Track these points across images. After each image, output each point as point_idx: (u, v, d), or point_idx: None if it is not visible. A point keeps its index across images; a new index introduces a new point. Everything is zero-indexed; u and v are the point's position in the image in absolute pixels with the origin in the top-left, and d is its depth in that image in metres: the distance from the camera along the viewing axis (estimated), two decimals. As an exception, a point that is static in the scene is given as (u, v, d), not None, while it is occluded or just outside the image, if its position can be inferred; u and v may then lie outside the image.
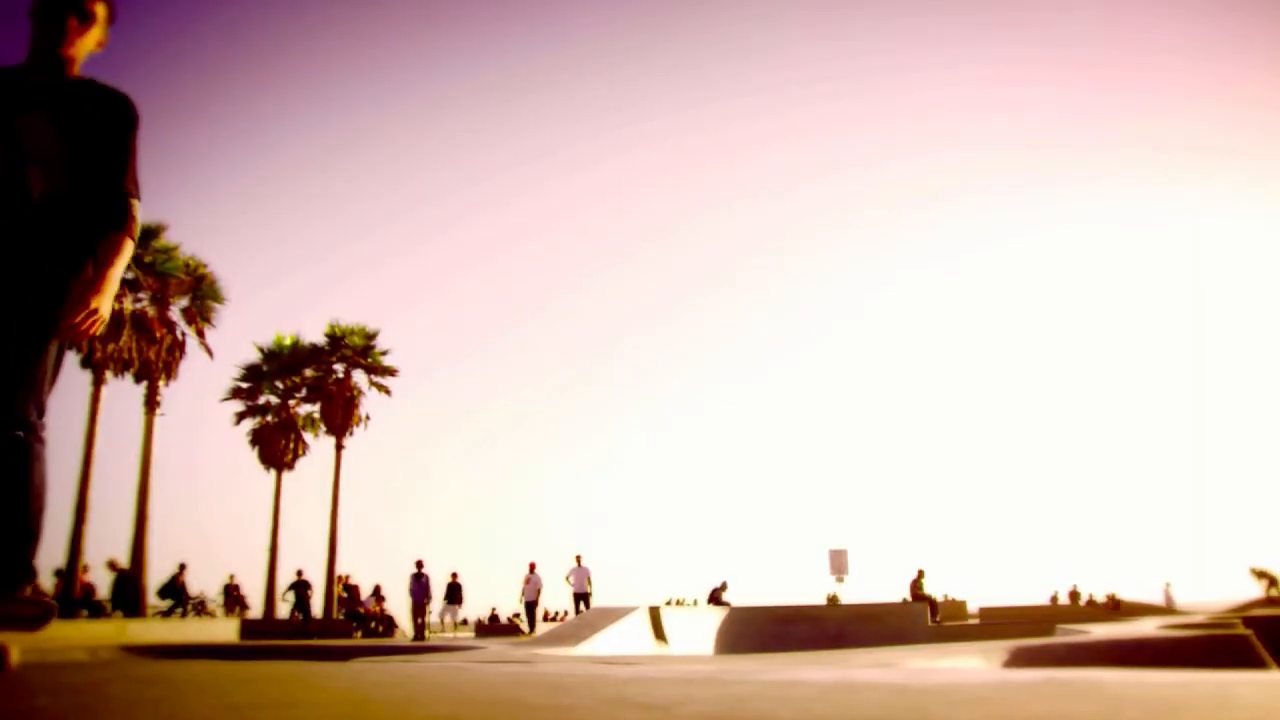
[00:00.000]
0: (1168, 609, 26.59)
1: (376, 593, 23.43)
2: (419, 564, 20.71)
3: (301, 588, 22.29)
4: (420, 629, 20.61)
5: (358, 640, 18.83)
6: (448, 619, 22.21)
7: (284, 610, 23.45)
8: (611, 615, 12.47)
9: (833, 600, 23.16)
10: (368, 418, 29.40)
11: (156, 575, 21.37)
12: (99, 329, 2.36)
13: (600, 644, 10.89)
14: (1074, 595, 33.18)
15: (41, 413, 2.34)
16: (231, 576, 23.91)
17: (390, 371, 29.96)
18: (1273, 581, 12.87)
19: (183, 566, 20.92)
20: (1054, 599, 34.25)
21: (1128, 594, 30.21)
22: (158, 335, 23.59)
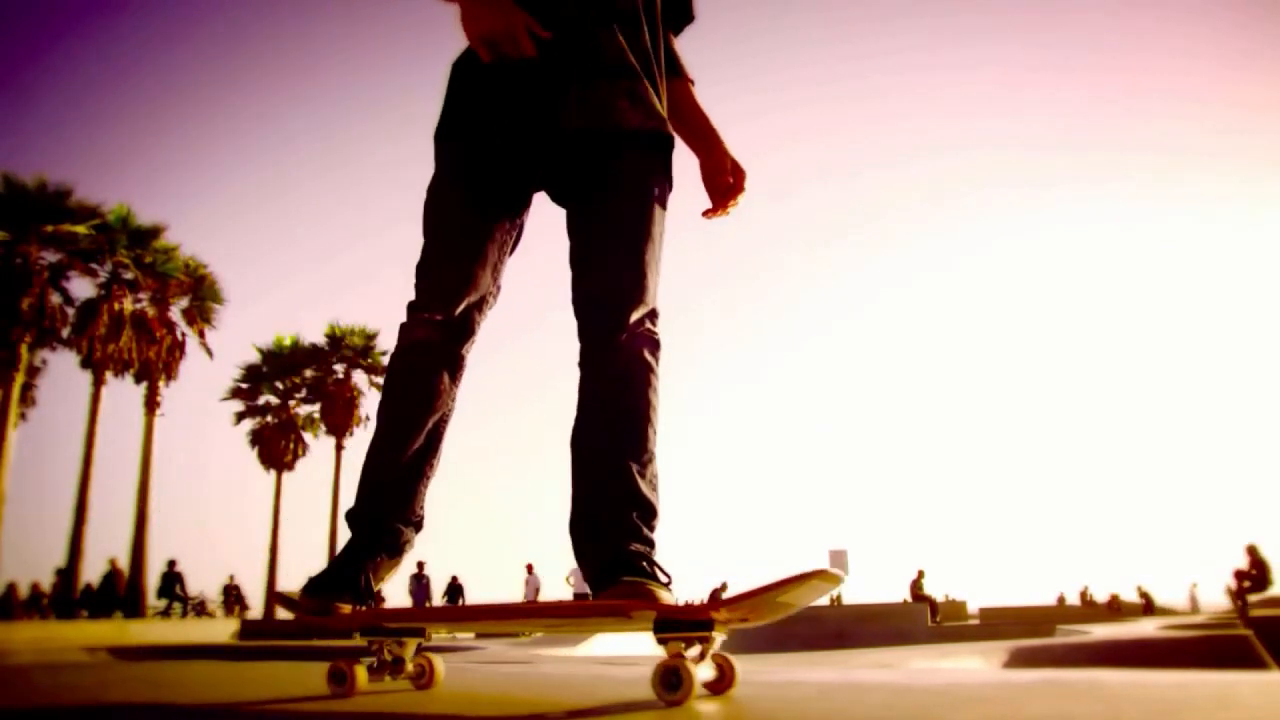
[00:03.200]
0: (1191, 610, 26.38)
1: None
2: (419, 565, 20.72)
3: None
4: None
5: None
6: (448, 619, 22.15)
7: (285, 610, 23.41)
8: (611, 616, 12.42)
9: (833, 600, 23.15)
10: (368, 418, 29.38)
11: (156, 575, 21.35)
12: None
13: (600, 644, 10.89)
14: (1083, 596, 33.13)
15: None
16: (231, 577, 23.93)
17: (390, 372, 29.93)
18: (1262, 570, 12.68)
19: (172, 563, 20.87)
20: (1060, 600, 34.20)
21: (1156, 596, 29.82)
22: (158, 335, 23.58)
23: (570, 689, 1.88)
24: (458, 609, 1.81)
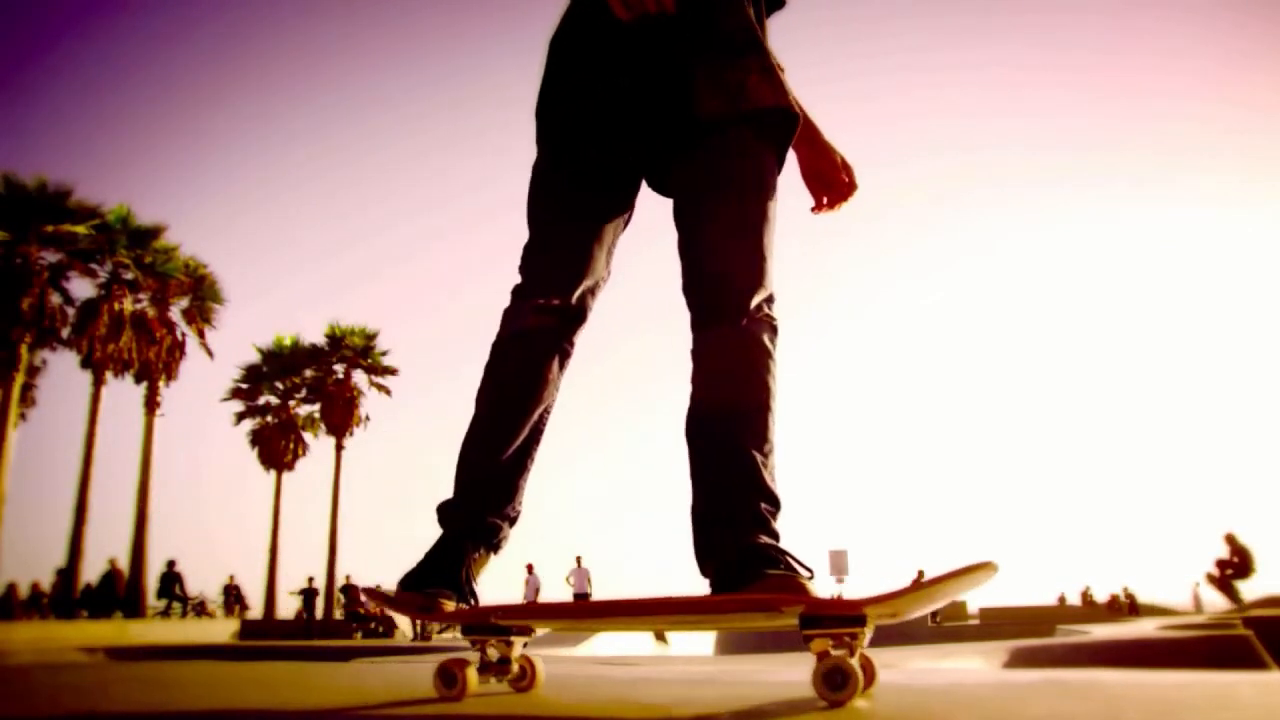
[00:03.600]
0: (1194, 610, 26.33)
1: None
2: (419, 565, 20.74)
3: (310, 594, 22.43)
4: (424, 629, 20.62)
5: (358, 641, 18.82)
6: (447, 619, 22.17)
7: (285, 610, 23.50)
8: (612, 616, 12.42)
9: (833, 601, 23.04)
10: (368, 418, 29.44)
11: (156, 575, 21.37)
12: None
13: (601, 644, 10.90)
14: (1084, 596, 33.12)
15: None
16: (231, 577, 23.94)
17: (390, 371, 29.99)
18: (1244, 559, 12.58)
19: (171, 563, 20.87)
20: (1061, 600, 34.18)
21: (1155, 596, 29.83)
22: (158, 336, 23.59)
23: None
24: (584, 605, 1.62)
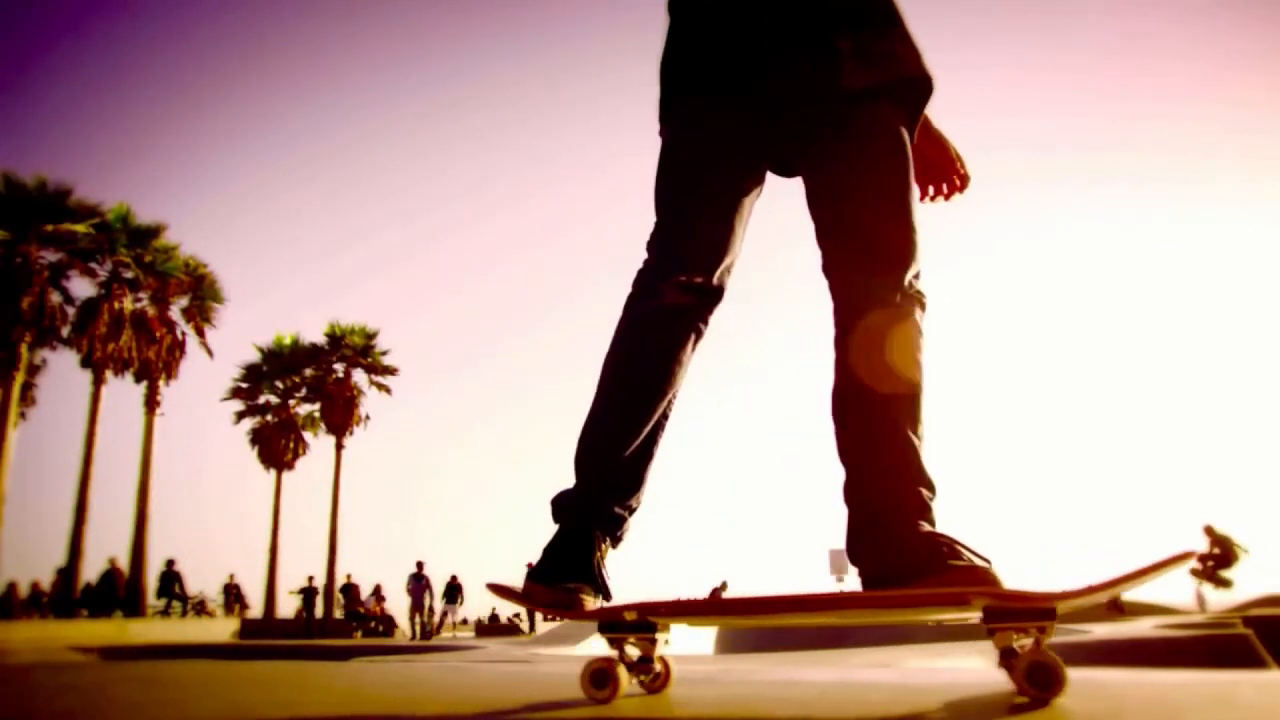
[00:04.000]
0: (1198, 609, 26.21)
1: (376, 593, 23.45)
2: (419, 565, 20.74)
3: (310, 594, 22.44)
4: (424, 629, 20.63)
5: (358, 640, 18.82)
6: (448, 619, 22.25)
7: (285, 609, 23.53)
8: (611, 615, 12.41)
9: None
10: (368, 417, 29.44)
11: (156, 575, 21.38)
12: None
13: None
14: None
15: None
16: (231, 576, 23.96)
17: (391, 371, 30.00)
18: (1225, 549, 12.51)
19: (170, 562, 20.88)
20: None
21: (1158, 594, 29.76)
22: (158, 335, 23.60)
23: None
24: (751, 601, 1.46)
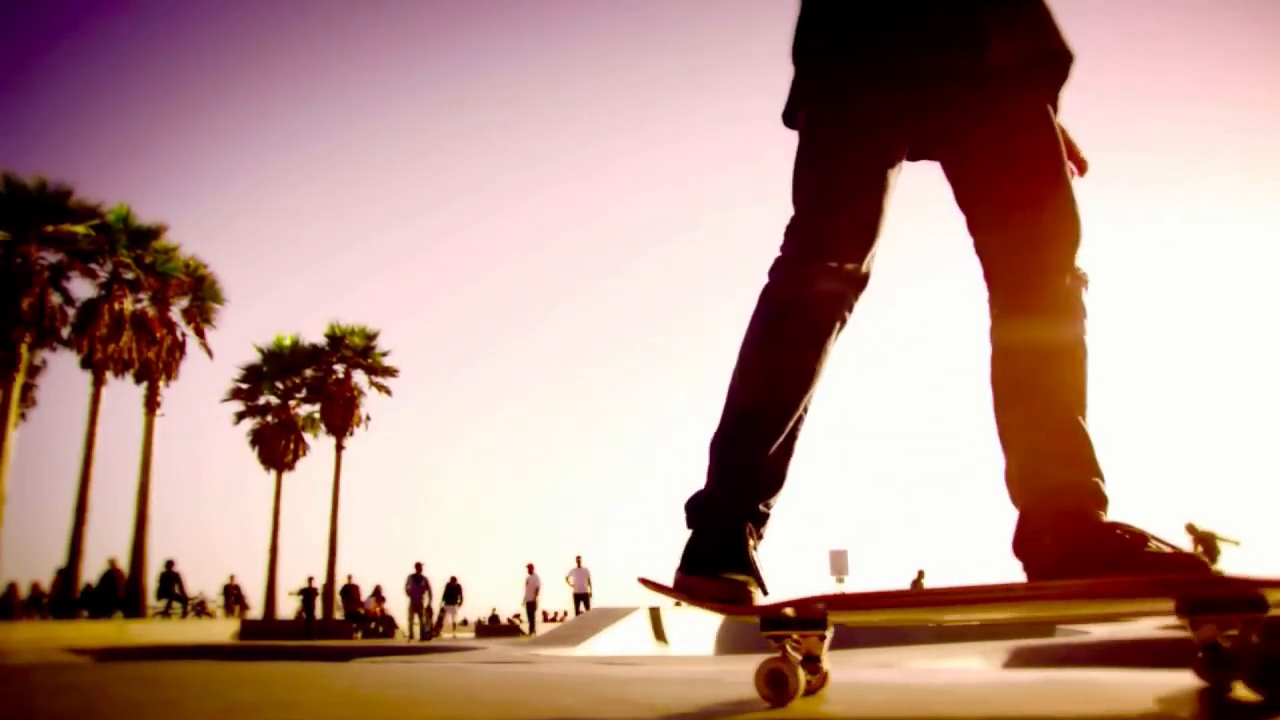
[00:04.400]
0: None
1: (377, 593, 23.45)
2: (418, 566, 20.74)
3: (310, 595, 22.45)
4: (424, 629, 20.63)
5: (358, 641, 18.82)
6: (447, 619, 22.27)
7: (285, 610, 23.53)
8: (612, 616, 12.47)
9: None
10: (368, 418, 29.43)
11: (156, 575, 21.38)
12: None
13: (601, 644, 10.89)
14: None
15: None
16: (231, 576, 23.96)
17: (391, 372, 29.99)
18: (1208, 546, 12.44)
19: (170, 563, 20.87)
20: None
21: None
22: (158, 335, 23.60)
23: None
24: (936, 593, 1.36)
